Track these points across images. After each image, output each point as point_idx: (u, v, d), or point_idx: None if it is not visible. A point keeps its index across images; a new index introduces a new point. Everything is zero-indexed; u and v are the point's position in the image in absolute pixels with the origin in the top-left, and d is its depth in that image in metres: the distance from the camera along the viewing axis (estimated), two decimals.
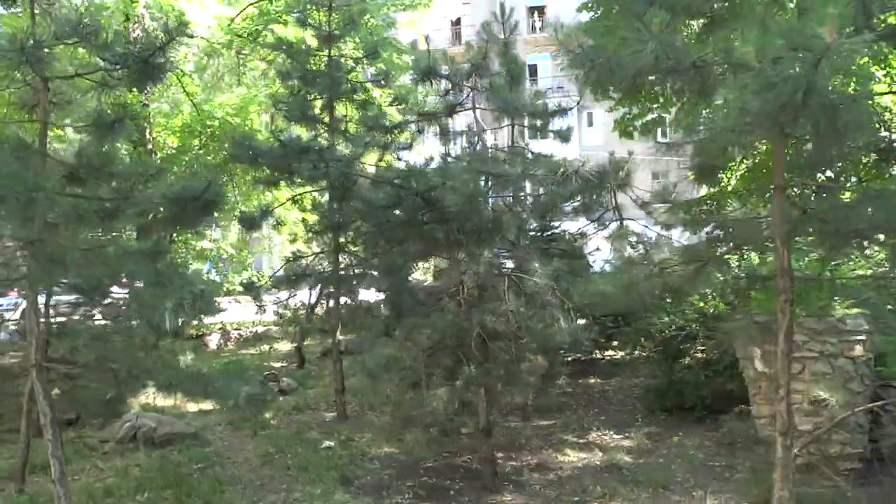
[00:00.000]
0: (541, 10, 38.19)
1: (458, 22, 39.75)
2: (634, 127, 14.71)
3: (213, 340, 16.57)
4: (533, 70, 37.23)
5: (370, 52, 9.66)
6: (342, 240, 8.86)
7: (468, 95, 7.17)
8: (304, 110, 8.81)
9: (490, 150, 7.25)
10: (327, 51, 9.45)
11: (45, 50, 4.10)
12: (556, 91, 33.11)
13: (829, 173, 6.77)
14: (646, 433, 8.09)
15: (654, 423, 8.49)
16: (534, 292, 5.61)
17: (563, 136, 8.57)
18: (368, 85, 9.77)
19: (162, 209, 4.52)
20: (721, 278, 4.78)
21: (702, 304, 8.38)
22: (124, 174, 4.68)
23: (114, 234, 5.39)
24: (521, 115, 6.86)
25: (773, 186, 3.92)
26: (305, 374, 12.96)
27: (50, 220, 4.15)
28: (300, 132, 10.94)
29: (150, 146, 15.48)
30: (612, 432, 8.30)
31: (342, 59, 9.48)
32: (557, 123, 8.29)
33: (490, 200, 6.36)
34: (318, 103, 9.79)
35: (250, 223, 9.42)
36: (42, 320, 5.02)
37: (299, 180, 9.06)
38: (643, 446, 7.63)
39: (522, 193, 6.86)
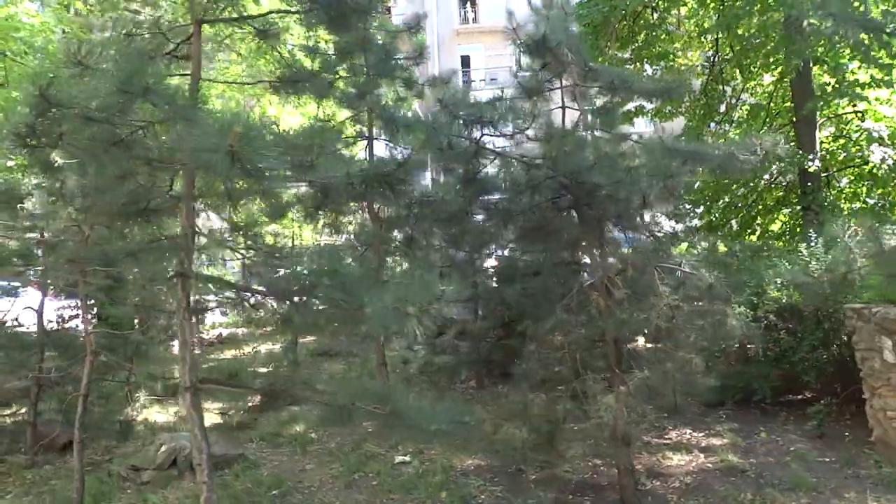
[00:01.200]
0: (472, 0, 38.10)
1: (388, 10, 38.72)
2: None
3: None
4: (466, 61, 37.06)
5: (412, 25, 8.67)
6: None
7: (564, 70, 6.50)
8: (359, 86, 7.75)
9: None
10: (361, 23, 8.44)
11: None
12: (490, 83, 32.90)
13: None
14: (728, 429, 7.73)
15: (729, 419, 8.16)
16: (701, 285, 5.05)
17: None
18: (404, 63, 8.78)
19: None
20: None
21: (775, 294, 8.11)
22: (292, 146, 3.73)
23: None
24: (631, 94, 6.31)
25: None
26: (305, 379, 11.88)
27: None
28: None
29: None
30: (688, 430, 7.90)
31: (377, 34, 8.47)
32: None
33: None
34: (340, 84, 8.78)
35: (278, 211, 8.25)
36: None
37: None
38: (739, 444, 7.24)
39: None
